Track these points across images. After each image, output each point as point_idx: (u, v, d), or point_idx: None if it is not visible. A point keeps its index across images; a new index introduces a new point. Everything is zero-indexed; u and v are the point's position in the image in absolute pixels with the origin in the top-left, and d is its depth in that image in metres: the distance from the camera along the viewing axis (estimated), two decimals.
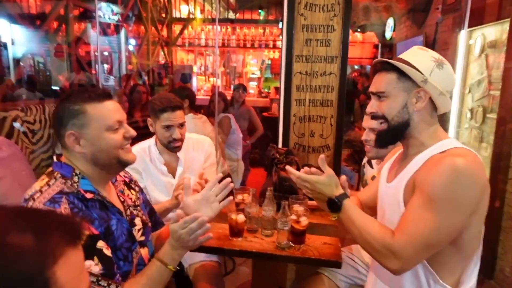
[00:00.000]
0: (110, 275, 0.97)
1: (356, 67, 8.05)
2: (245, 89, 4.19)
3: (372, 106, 1.14)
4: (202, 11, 7.46)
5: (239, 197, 1.76)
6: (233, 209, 1.62)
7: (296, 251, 1.47)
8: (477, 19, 3.16)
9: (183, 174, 1.91)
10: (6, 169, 1.70)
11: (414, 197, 1.03)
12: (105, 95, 1.09)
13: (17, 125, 2.34)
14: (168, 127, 1.79)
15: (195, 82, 6.95)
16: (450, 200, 0.97)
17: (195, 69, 7.15)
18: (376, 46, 7.32)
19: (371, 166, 1.87)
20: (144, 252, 1.19)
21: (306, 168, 1.24)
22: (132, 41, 6.31)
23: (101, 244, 0.97)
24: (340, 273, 1.75)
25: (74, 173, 1.05)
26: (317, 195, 1.20)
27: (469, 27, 3.35)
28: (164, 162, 1.89)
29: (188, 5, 6.90)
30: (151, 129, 1.88)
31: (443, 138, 1.10)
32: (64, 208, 0.95)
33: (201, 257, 1.83)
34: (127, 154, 1.11)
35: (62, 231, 0.50)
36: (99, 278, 0.94)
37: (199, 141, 2.01)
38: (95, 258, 0.94)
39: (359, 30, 6.32)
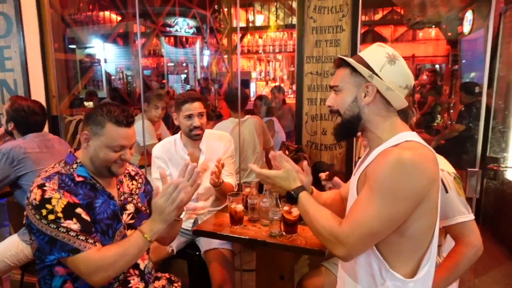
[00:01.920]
0: (88, 231, 1.20)
1: (427, 66, 7.56)
2: (279, 89, 4.30)
3: (330, 99, 1.20)
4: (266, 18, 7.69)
5: (247, 190, 1.91)
6: (236, 200, 1.77)
7: (286, 239, 1.57)
8: None
9: (205, 163, 2.13)
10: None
11: (363, 189, 1.09)
12: (127, 123, 1.29)
13: None
14: (189, 116, 2.02)
15: (254, 87, 7.23)
16: (392, 190, 1.01)
17: (253, 75, 7.44)
18: (450, 43, 6.81)
19: None
20: (130, 233, 1.36)
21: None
22: (207, 52, 6.82)
23: (79, 210, 1.21)
24: None
25: (75, 162, 1.32)
26: (278, 189, 1.28)
27: None
28: (188, 153, 2.11)
29: (248, 14, 7.21)
30: (176, 123, 2.12)
31: (400, 132, 1.12)
32: (53, 183, 1.21)
33: (215, 244, 2.01)
34: (117, 168, 1.33)
35: None
36: (78, 233, 1.17)
37: (220, 136, 2.21)
38: (74, 219, 1.18)
39: (415, 27, 5.96)
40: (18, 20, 2.56)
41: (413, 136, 1.11)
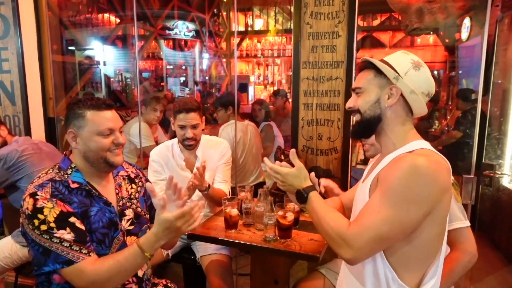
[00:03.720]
0: (82, 241, 1.16)
1: None
2: (278, 93, 4.29)
3: (351, 101, 1.20)
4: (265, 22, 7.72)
5: (242, 194, 1.90)
6: (230, 204, 1.76)
7: (280, 244, 1.57)
8: None
9: None
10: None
11: (374, 192, 1.08)
12: (106, 105, 1.29)
13: None
14: (182, 127, 2.00)
15: (252, 91, 7.23)
16: (404, 196, 1.00)
17: (252, 79, 7.45)
18: (448, 49, 6.85)
19: None
20: (130, 240, 1.34)
21: (277, 162, 1.31)
22: (206, 55, 6.82)
23: (73, 219, 1.17)
24: (336, 271, 1.78)
25: (69, 167, 1.27)
26: (288, 187, 1.25)
27: None
28: (184, 159, 2.11)
29: (247, 18, 7.24)
30: (172, 127, 2.10)
31: (415, 140, 1.13)
32: (45, 191, 1.17)
33: (212, 249, 2.01)
34: (114, 157, 1.28)
35: None
36: (72, 243, 1.14)
37: (217, 143, 2.20)
38: (67, 228, 1.15)
39: (412, 33, 6.00)
40: (15, 22, 2.57)
41: (427, 145, 1.12)
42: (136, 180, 1.48)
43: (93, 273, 1.15)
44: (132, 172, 1.49)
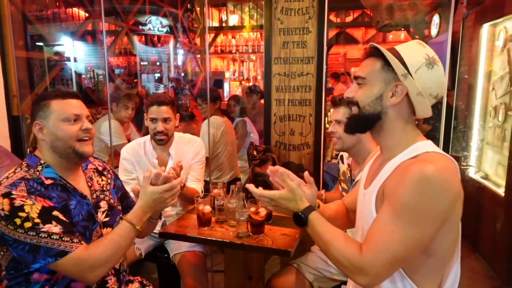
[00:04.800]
0: (71, 232, 1.15)
1: None
2: (254, 89, 4.31)
3: (351, 91, 1.09)
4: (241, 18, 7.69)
5: (215, 191, 1.90)
6: (203, 201, 1.75)
7: (253, 240, 1.57)
8: (499, 12, 3.00)
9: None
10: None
11: (382, 208, 0.99)
12: (70, 94, 1.28)
13: None
14: (153, 120, 1.97)
15: (227, 87, 7.20)
16: (418, 212, 0.92)
17: (227, 75, 7.41)
18: None
19: (343, 162, 1.90)
20: (106, 232, 1.33)
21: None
22: (180, 51, 6.72)
23: (56, 213, 1.15)
24: (309, 265, 1.82)
25: (39, 163, 1.24)
26: (283, 210, 1.16)
27: (491, 20, 3.19)
28: (157, 156, 2.07)
29: (221, 13, 7.19)
30: (145, 123, 2.07)
31: (417, 141, 1.04)
32: (20, 189, 1.12)
33: (185, 247, 1.99)
34: (82, 147, 1.25)
35: None
36: (61, 235, 1.12)
37: (190, 140, 2.17)
38: (53, 222, 1.12)
39: (383, 29, 6.13)
40: None
41: (432, 146, 1.03)
42: (105, 173, 1.48)
43: (91, 258, 1.14)
44: (99, 165, 1.49)
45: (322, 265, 1.80)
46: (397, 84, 1.00)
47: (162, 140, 2.00)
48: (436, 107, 3.78)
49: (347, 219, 1.37)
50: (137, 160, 2.06)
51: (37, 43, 4.07)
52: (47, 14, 4.28)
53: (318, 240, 1.07)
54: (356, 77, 1.08)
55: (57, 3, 4.57)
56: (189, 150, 2.12)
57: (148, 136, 2.11)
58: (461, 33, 4.03)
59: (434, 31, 5.57)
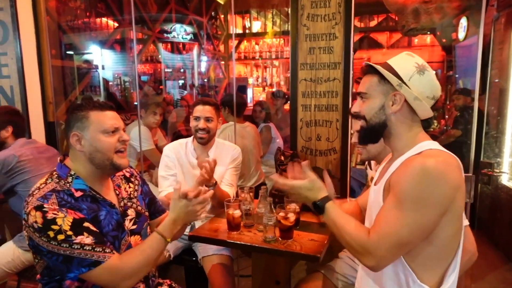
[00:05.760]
0: (102, 242, 1.18)
1: None
2: (278, 94, 4.31)
3: (357, 106, 1.21)
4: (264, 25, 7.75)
5: (243, 195, 1.92)
6: (234, 205, 1.77)
7: (281, 245, 1.58)
8: None
9: None
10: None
11: (388, 198, 1.09)
12: (107, 106, 1.31)
13: None
14: (196, 118, 2.08)
15: (251, 93, 7.25)
16: (418, 199, 1.02)
17: (250, 81, 7.47)
18: (445, 49, 6.87)
19: (371, 168, 1.88)
20: (134, 240, 1.36)
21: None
22: (204, 58, 6.85)
23: (87, 224, 1.17)
24: (337, 271, 1.80)
25: (69, 174, 1.25)
26: (303, 200, 1.26)
27: None
28: (196, 157, 2.14)
29: (244, 20, 7.27)
30: (190, 124, 2.15)
31: (422, 141, 1.14)
32: (52, 202, 1.14)
33: (213, 250, 2.02)
34: (120, 159, 1.29)
35: None
36: (93, 246, 1.14)
37: (230, 147, 2.24)
38: (85, 233, 1.14)
39: (409, 33, 6.01)
40: (14, 27, 2.58)
41: (435, 144, 1.12)
42: (132, 179, 1.50)
43: (125, 268, 1.18)
44: (126, 171, 1.50)
45: (350, 271, 1.77)
46: (395, 94, 1.12)
47: (203, 138, 2.08)
48: (467, 112, 3.69)
49: (361, 219, 1.39)
50: (177, 157, 2.14)
51: (67, 52, 4.24)
52: (78, 24, 4.46)
53: (333, 226, 1.17)
54: (359, 93, 1.20)
55: (87, 13, 4.76)
56: (227, 155, 2.18)
57: (191, 138, 2.19)
58: (492, 36, 3.92)
59: (461, 34, 5.44)
